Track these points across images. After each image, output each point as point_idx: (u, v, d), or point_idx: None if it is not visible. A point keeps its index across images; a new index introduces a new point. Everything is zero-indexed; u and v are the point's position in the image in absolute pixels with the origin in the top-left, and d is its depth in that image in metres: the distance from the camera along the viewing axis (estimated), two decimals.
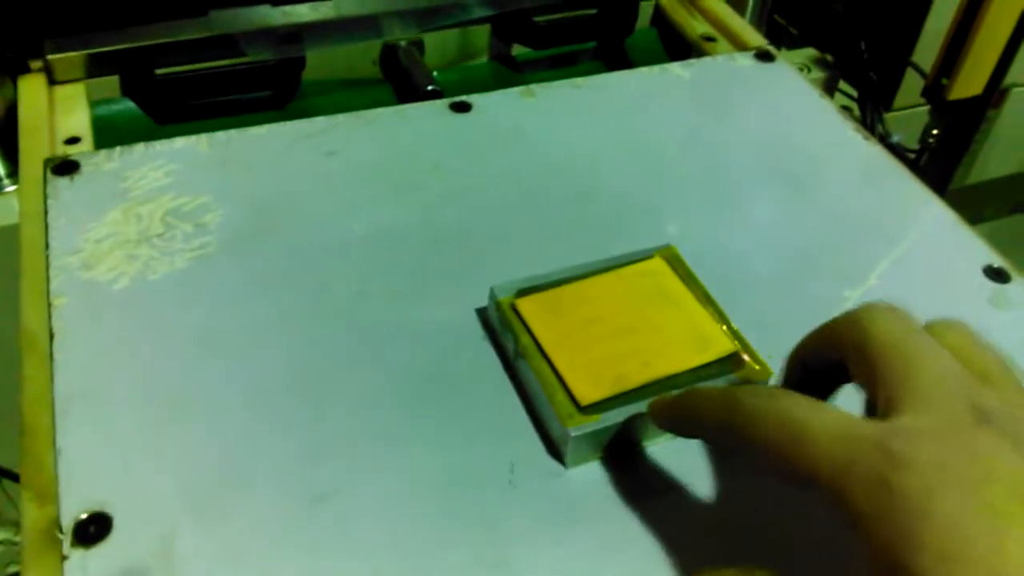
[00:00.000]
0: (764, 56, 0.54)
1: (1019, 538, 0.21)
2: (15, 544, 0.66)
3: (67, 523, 0.28)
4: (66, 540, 0.28)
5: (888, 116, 0.69)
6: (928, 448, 0.23)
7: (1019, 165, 0.83)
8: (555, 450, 0.32)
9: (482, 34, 0.60)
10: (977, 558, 0.21)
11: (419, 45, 0.57)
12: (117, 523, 0.28)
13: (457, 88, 0.56)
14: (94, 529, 0.28)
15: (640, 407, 0.31)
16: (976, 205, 0.85)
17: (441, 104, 0.48)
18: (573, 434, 0.30)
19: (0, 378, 0.53)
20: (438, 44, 0.59)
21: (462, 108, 0.48)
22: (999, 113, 0.75)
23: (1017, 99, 0.75)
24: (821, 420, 0.24)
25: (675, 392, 0.30)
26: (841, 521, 0.23)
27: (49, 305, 0.35)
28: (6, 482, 0.59)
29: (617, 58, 0.63)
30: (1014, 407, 0.24)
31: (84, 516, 0.28)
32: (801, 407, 0.25)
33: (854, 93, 0.68)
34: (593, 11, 0.61)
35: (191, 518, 0.29)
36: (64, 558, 0.27)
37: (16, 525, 0.65)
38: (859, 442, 0.23)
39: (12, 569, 0.68)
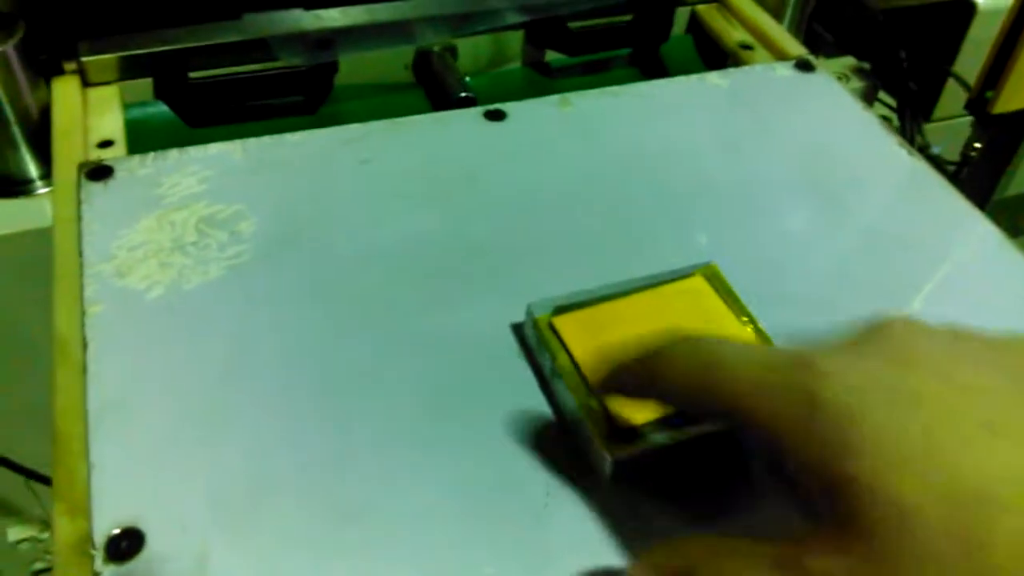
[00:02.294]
0: (804, 66, 0.53)
1: (948, 420, 0.21)
2: (40, 541, 0.66)
3: (99, 538, 0.28)
4: (98, 556, 0.27)
5: (927, 127, 0.68)
6: (844, 355, 0.23)
7: None
8: (593, 473, 0.31)
9: (515, 40, 0.60)
10: (915, 452, 0.20)
11: (452, 51, 0.56)
12: (150, 539, 0.28)
13: (489, 94, 0.55)
14: (126, 545, 0.28)
15: (683, 432, 0.30)
16: (1015, 217, 0.83)
17: (476, 112, 0.47)
18: (612, 458, 0.30)
19: (26, 377, 0.53)
20: (471, 49, 0.58)
21: (497, 116, 0.47)
22: None
23: None
24: (734, 349, 0.25)
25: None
26: (767, 451, 0.23)
27: (83, 313, 0.34)
28: (31, 481, 0.59)
29: (652, 65, 0.62)
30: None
31: (116, 531, 0.28)
32: (712, 343, 0.25)
33: (892, 103, 0.67)
34: (628, 18, 0.60)
35: (224, 534, 0.28)
36: (96, 574, 0.27)
37: (41, 522, 0.66)
38: (776, 360, 0.23)
39: (37, 566, 0.68)
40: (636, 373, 0.28)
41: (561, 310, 0.34)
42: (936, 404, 0.21)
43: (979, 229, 0.43)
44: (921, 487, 0.20)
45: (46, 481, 0.58)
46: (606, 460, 0.30)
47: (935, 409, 0.21)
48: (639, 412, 0.31)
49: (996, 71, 0.55)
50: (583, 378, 0.32)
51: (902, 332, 0.24)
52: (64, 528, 0.29)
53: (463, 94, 0.53)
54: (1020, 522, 0.19)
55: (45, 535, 0.66)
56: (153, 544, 0.28)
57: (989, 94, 0.56)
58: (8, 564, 0.67)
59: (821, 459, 0.21)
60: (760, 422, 0.23)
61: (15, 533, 0.65)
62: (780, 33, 0.58)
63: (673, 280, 0.36)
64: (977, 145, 0.61)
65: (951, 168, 0.63)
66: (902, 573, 0.20)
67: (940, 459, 0.20)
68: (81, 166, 0.41)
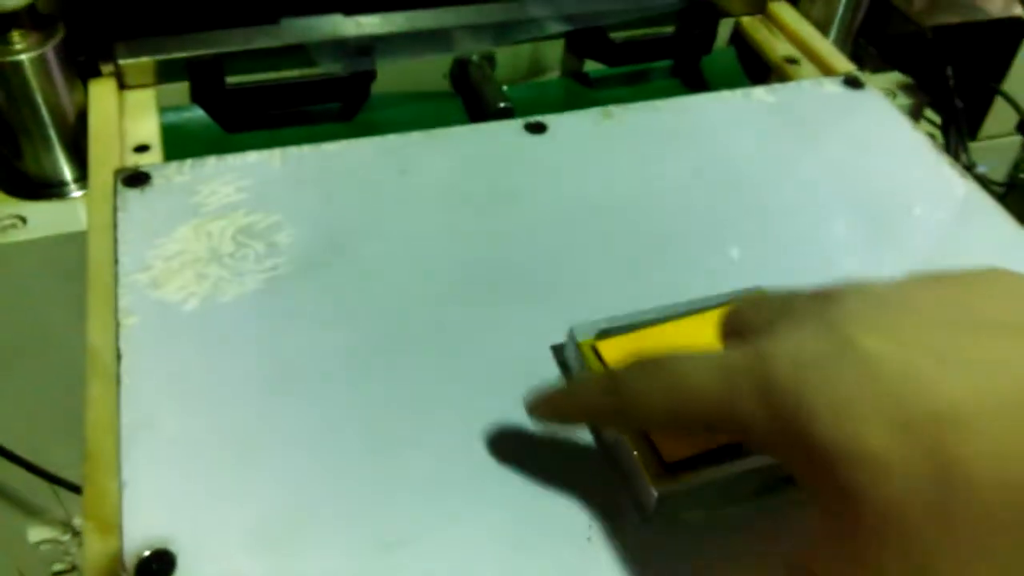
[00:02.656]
0: (853, 82, 0.52)
1: (892, 358, 0.21)
2: (61, 543, 0.66)
3: (129, 560, 0.27)
4: None
5: (972, 145, 0.66)
6: (789, 331, 0.23)
7: None
8: (638, 507, 0.30)
9: (555, 49, 0.59)
10: (864, 395, 0.20)
11: (491, 60, 0.56)
12: (181, 562, 0.27)
13: (528, 104, 0.54)
14: (156, 567, 0.27)
15: (730, 467, 0.29)
16: None
17: (515, 124, 0.46)
18: (658, 494, 0.28)
19: (53, 379, 0.53)
20: (509, 58, 0.57)
21: (537, 129, 0.46)
22: None
23: None
24: (692, 363, 0.24)
25: (550, 387, 0.30)
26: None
27: (117, 324, 0.34)
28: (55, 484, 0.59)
29: (693, 77, 0.61)
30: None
31: (147, 553, 0.27)
32: (667, 361, 0.25)
33: (937, 119, 0.65)
34: (671, 29, 0.59)
35: (257, 561, 0.28)
36: None
37: (63, 524, 0.65)
38: (734, 362, 0.23)
39: (57, 567, 0.68)
40: (608, 411, 0.28)
41: (605, 334, 0.33)
42: (878, 344, 0.21)
43: None
44: (881, 428, 0.20)
45: (69, 486, 0.58)
46: (653, 496, 0.29)
47: (877, 349, 0.21)
48: (687, 444, 0.29)
49: None
50: None
51: (840, 292, 0.24)
52: (94, 546, 0.28)
53: (501, 104, 0.52)
54: (981, 436, 0.19)
55: (66, 537, 0.66)
56: (184, 567, 0.27)
57: None
58: (28, 564, 0.67)
59: (791, 445, 0.21)
60: (737, 429, 0.23)
61: (36, 534, 0.65)
62: (827, 47, 0.57)
63: (720, 305, 0.35)
64: None
65: (998, 189, 0.62)
66: (890, 530, 0.19)
67: (890, 395, 0.20)
68: (117, 172, 0.41)
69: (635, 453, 0.29)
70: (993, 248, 0.42)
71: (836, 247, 0.41)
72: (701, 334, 0.34)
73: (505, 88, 0.55)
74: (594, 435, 0.32)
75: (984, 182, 0.63)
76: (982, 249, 0.42)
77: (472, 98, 0.54)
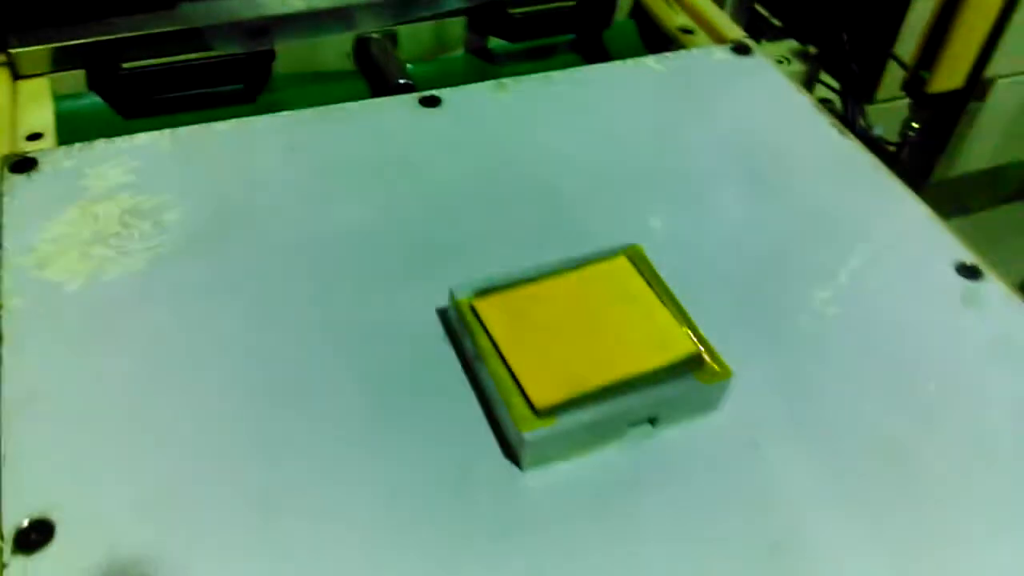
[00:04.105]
0: (741, 49, 0.53)
1: None
2: None
3: (8, 530, 0.28)
4: (6, 547, 0.27)
5: (871, 109, 0.69)
6: None
7: (1004, 156, 0.82)
8: (511, 452, 0.31)
9: (458, 26, 0.59)
10: None
11: (392, 38, 0.56)
12: (60, 530, 0.28)
13: (432, 81, 0.55)
14: (36, 536, 0.28)
15: (597, 411, 0.31)
16: (961, 197, 0.84)
17: (410, 99, 0.47)
18: (528, 438, 0.30)
19: None
20: (412, 36, 0.58)
21: (432, 103, 0.47)
22: (983, 105, 0.75)
23: (1002, 90, 0.74)
24: None
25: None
26: None
27: (0, 306, 0.34)
28: None
29: (595, 51, 0.62)
30: None
31: (26, 523, 0.28)
32: None
33: (836, 85, 0.67)
34: (571, 3, 0.60)
35: (137, 526, 0.28)
36: (3, 566, 0.27)
37: None
38: None
39: None
40: None
41: (483, 293, 0.34)
42: None
43: (907, 207, 0.44)
44: None
45: None
46: (523, 440, 0.30)
47: None
48: (555, 392, 0.31)
49: (930, 51, 0.55)
50: (504, 360, 0.32)
51: None
52: None
53: (401, 81, 0.52)
54: None
55: None
56: (64, 536, 0.28)
57: (925, 74, 0.57)
58: None
59: None
60: None
61: None
62: (720, 17, 0.59)
63: (597, 261, 0.36)
64: (915, 125, 0.62)
65: (892, 148, 0.64)
66: None
67: None
68: (4, 159, 0.41)
69: (506, 400, 0.31)
70: (867, 198, 0.44)
71: (720, 204, 0.43)
72: (577, 289, 0.35)
73: (409, 67, 0.56)
74: (473, 386, 0.33)
75: (880, 143, 0.65)
76: (857, 199, 0.44)
77: (374, 76, 0.55)
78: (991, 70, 0.69)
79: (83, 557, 0.27)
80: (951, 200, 0.82)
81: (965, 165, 0.79)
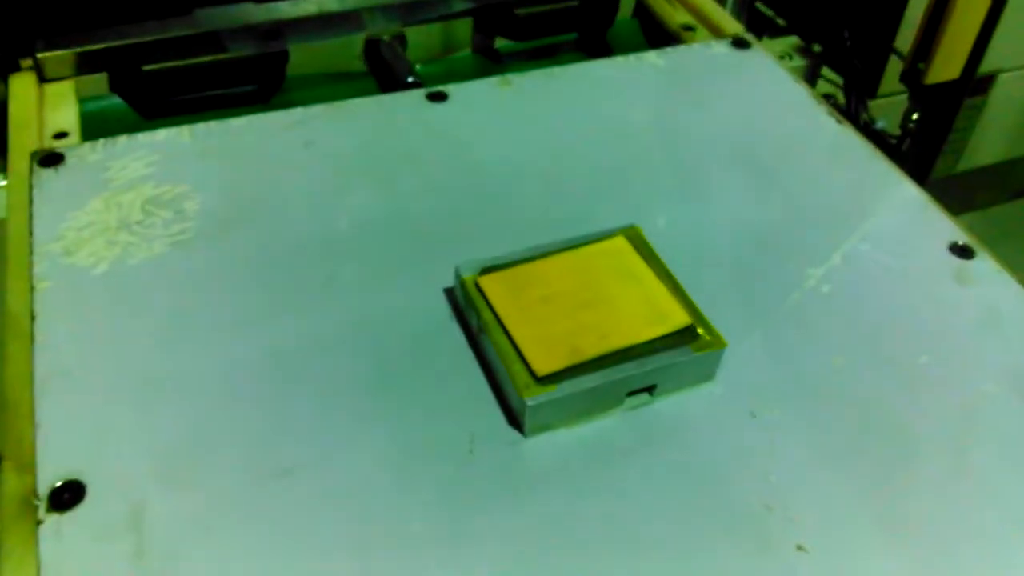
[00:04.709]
0: (740, 43, 0.55)
1: None
2: None
3: (43, 490, 0.29)
4: (41, 506, 0.29)
5: (874, 103, 0.70)
6: None
7: (1009, 151, 0.83)
8: (515, 420, 0.33)
9: (465, 27, 0.61)
10: None
11: (401, 39, 0.58)
12: (90, 491, 0.30)
13: (440, 81, 0.57)
14: (68, 496, 0.29)
15: (596, 378, 0.32)
16: (967, 192, 0.85)
17: (418, 94, 0.49)
18: (529, 403, 0.31)
19: None
20: (422, 38, 0.60)
21: (439, 98, 0.49)
22: (987, 99, 0.76)
23: (1004, 85, 0.75)
24: None
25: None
26: None
27: (32, 289, 0.36)
28: None
29: (599, 49, 0.64)
30: None
31: (59, 484, 0.30)
32: None
33: (839, 81, 0.68)
34: (574, 3, 0.62)
35: (161, 488, 0.30)
36: (39, 523, 0.29)
37: None
38: None
39: None
40: None
41: (487, 271, 0.36)
42: None
43: (902, 191, 0.45)
44: None
45: None
46: (525, 405, 0.31)
47: None
48: (555, 360, 0.32)
49: (926, 43, 0.57)
50: (506, 332, 0.34)
51: None
52: (11, 483, 0.30)
53: (410, 79, 0.54)
54: None
55: None
56: (94, 495, 0.29)
57: (921, 66, 0.58)
58: None
59: None
60: None
61: None
62: (720, 14, 0.60)
63: (596, 241, 0.38)
64: (915, 117, 0.63)
65: (893, 141, 0.65)
66: None
67: None
68: (33, 154, 0.43)
69: (508, 368, 0.32)
70: (863, 182, 0.45)
71: (718, 189, 0.44)
72: (577, 266, 0.37)
73: (418, 67, 0.58)
74: (478, 358, 0.35)
75: (883, 136, 0.66)
76: (853, 184, 0.45)
77: (384, 76, 0.57)
78: (994, 64, 0.70)
79: (111, 515, 0.29)
80: (959, 195, 0.83)
81: (973, 160, 0.80)
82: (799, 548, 0.30)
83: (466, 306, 0.36)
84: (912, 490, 0.32)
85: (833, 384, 0.35)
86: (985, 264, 0.41)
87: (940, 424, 0.34)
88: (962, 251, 0.42)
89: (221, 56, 0.53)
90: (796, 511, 0.31)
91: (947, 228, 0.43)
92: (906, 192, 0.45)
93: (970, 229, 0.44)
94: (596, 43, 0.64)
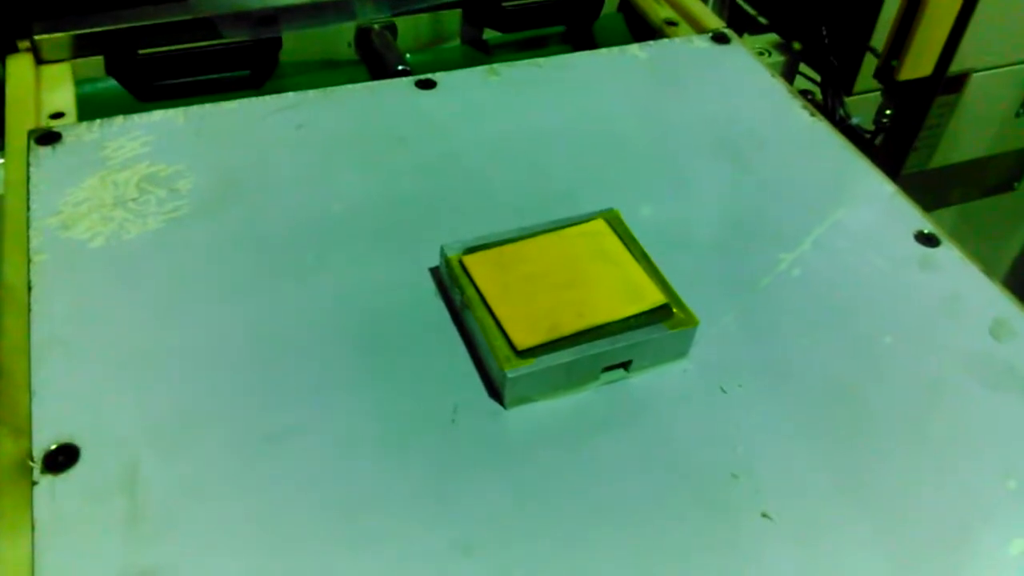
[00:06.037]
0: (720, 38, 0.57)
1: None
2: None
3: (38, 453, 0.31)
4: (36, 467, 0.30)
5: (851, 100, 0.72)
6: None
7: (982, 149, 0.85)
8: (495, 392, 0.34)
9: (454, 18, 0.63)
10: None
11: (392, 28, 0.59)
12: (84, 454, 0.31)
13: (429, 69, 0.58)
14: (63, 458, 0.31)
15: (573, 353, 0.33)
16: (941, 188, 0.87)
17: (407, 81, 0.50)
18: (510, 375, 0.33)
19: None
20: (412, 28, 0.61)
21: (427, 85, 0.50)
22: (960, 98, 0.78)
23: (977, 84, 0.77)
24: None
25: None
26: None
27: (28, 261, 0.37)
28: None
29: (585, 42, 0.65)
30: None
31: (53, 447, 0.31)
32: None
33: (817, 77, 0.70)
34: None
35: (153, 452, 0.31)
36: (34, 483, 0.30)
37: None
38: None
39: None
40: None
41: (472, 250, 0.37)
42: None
43: (870, 181, 0.47)
44: None
45: None
46: (505, 377, 0.33)
47: None
48: (535, 335, 0.34)
49: (899, 40, 0.58)
50: (489, 308, 0.35)
51: None
52: (7, 447, 0.31)
53: (400, 67, 0.56)
54: None
55: None
56: (87, 458, 0.31)
57: (895, 63, 0.60)
58: None
59: None
60: None
61: None
62: (702, 9, 0.62)
63: (577, 223, 0.39)
64: (888, 112, 0.65)
65: (867, 136, 0.67)
66: None
67: None
68: (31, 132, 0.44)
69: (490, 343, 0.34)
70: (834, 173, 0.47)
71: (695, 176, 0.46)
72: (558, 247, 0.38)
73: (408, 56, 0.59)
74: (461, 334, 0.36)
75: (858, 131, 0.68)
76: (824, 174, 0.47)
77: (375, 64, 0.58)
78: (966, 63, 0.72)
79: (104, 477, 0.30)
80: (934, 191, 0.85)
81: (947, 157, 0.82)
82: (764, 515, 0.31)
83: (451, 284, 0.37)
84: (873, 461, 0.34)
85: (801, 362, 0.37)
86: (949, 252, 0.43)
87: (900, 400, 0.36)
88: (927, 239, 0.44)
89: (216, 42, 0.54)
90: (762, 480, 0.33)
91: (914, 218, 0.45)
92: (875, 183, 0.47)
93: (942, 224, 0.45)
94: (582, 36, 0.65)
